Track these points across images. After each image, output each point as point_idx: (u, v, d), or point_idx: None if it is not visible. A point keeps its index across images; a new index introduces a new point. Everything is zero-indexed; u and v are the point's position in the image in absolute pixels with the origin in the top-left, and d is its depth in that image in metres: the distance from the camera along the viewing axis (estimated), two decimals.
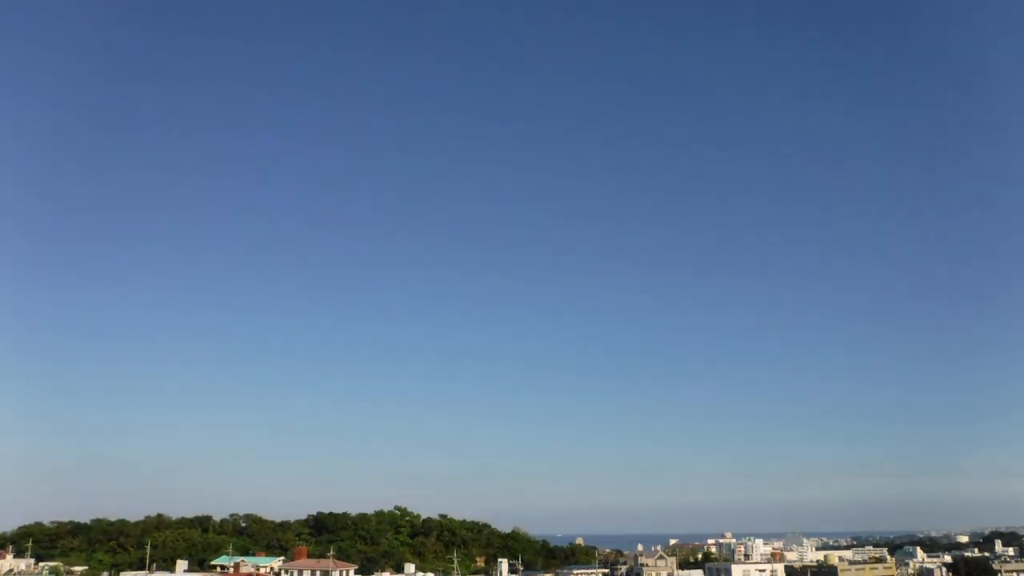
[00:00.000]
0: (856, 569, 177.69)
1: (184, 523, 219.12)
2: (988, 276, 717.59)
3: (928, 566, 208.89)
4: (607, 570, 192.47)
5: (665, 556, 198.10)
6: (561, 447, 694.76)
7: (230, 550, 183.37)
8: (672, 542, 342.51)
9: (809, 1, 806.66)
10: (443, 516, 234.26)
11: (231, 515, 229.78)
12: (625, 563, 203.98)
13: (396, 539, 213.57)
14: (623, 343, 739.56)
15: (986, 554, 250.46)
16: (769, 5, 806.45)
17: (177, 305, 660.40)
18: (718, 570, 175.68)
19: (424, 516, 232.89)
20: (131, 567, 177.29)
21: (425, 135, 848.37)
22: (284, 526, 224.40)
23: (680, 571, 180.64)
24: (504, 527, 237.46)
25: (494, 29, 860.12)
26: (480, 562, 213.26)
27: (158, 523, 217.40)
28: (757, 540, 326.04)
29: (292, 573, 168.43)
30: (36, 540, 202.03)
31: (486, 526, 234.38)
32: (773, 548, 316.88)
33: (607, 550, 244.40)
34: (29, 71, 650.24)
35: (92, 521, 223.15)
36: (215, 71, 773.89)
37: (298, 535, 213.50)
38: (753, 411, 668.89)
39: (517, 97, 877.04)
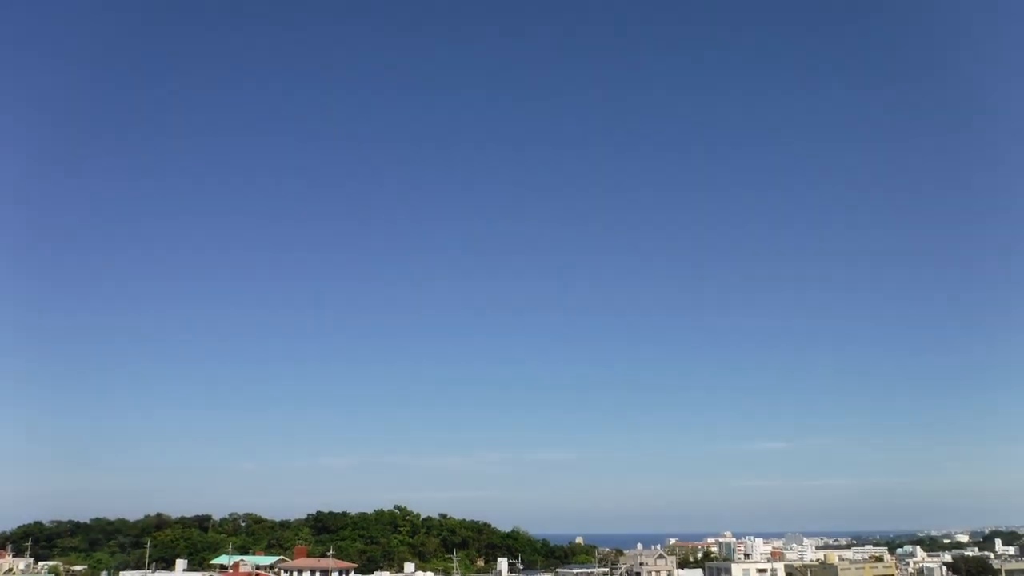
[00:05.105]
0: (856, 568, 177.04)
1: (184, 523, 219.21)
2: (993, 275, 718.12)
3: (928, 565, 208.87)
4: (607, 569, 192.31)
5: (665, 555, 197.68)
6: (560, 446, 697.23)
7: (230, 549, 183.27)
8: (672, 541, 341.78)
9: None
10: (443, 516, 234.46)
11: (231, 515, 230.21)
12: (625, 562, 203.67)
13: (396, 539, 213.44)
14: (624, 339, 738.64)
15: (986, 553, 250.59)
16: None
17: (177, 305, 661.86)
18: (718, 569, 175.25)
19: (424, 516, 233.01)
20: (130, 567, 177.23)
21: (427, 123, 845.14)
22: (284, 525, 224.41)
23: (680, 570, 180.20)
24: (504, 527, 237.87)
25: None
26: (480, 562, 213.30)
27: (158, 523, 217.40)
28: (757, 539, 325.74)
29: (292, 573, 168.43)
30: (36, 540, 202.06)
31: (486, 526, 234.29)
32: (773, 547, 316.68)
33: (607, 549, 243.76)
34: (26, 73, 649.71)
35: (92, 521, 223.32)
36: (213, 67, 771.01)
37: (298, 534, 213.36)
38: (752, 410, 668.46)
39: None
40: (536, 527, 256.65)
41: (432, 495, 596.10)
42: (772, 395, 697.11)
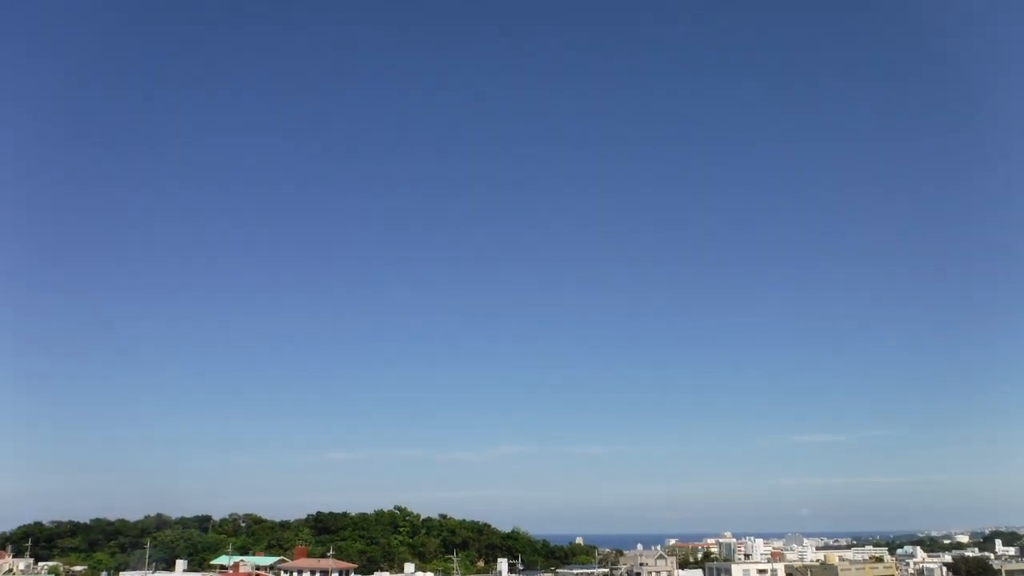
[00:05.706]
0: (856, 569, 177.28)
1: (184, 523, 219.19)
2: (993, 275, 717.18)
3: (928, 566, 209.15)
4: (607, 570, 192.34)
5: (665, 556, 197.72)
6: (562, 444, 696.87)
7: (230, 550, 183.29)
8: (672, 542, 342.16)
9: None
10: (443, 516, 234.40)
11: (231, 515, 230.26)
12: (625, 563, 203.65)
13: (396, 539, 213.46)
14: (622, 340, 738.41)
15: (986, 554, 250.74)
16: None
17: (176, 306, 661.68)
18: (718, 570, 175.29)
19: (424, 516, 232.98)
20: (130, 567, 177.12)
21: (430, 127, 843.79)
22: (284, 526, 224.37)
23: (680, 571, 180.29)
24: (504, 527, 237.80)
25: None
26: (480, 562, 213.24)
27: (158, 523, 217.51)
28: (757, 540, 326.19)
29: (292, 573, 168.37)
30: (36, 540, 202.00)
31: (486, 526, 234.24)
32: (773, 548, 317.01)
33: (607, 550, 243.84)
34: (26, 73, 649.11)
35: (92, 521, 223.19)
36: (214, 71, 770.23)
37: (298, 535, 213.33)
38: (752, 409, 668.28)
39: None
40: (537, 527, 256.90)
41: (439, 494, 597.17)
42: (771, 395, 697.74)
